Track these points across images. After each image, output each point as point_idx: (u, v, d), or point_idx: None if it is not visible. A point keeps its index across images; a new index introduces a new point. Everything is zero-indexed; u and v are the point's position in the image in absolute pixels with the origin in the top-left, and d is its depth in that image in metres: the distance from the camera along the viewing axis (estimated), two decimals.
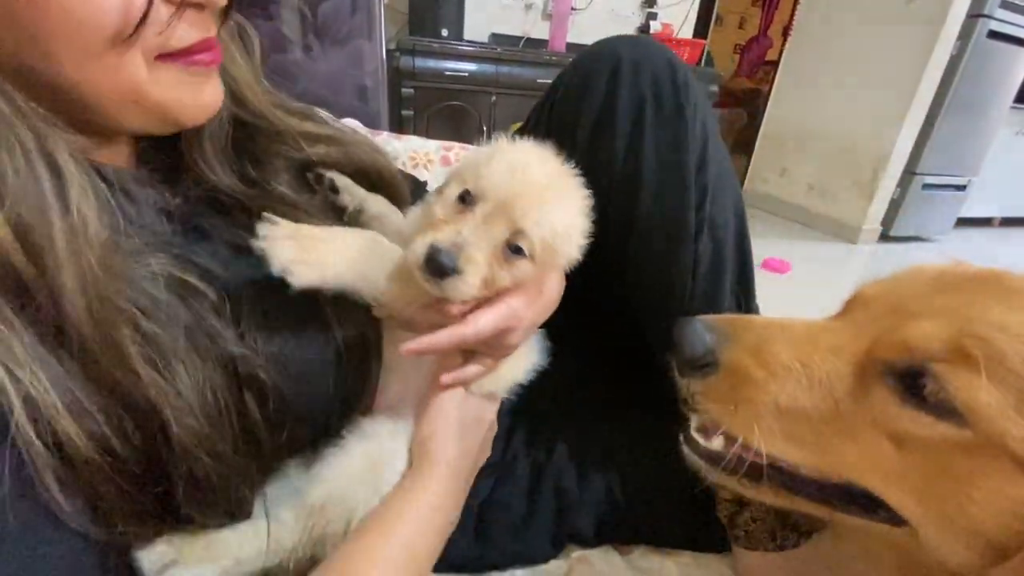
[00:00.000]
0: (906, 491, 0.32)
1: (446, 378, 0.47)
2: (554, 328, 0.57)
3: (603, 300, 0.68)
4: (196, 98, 0.40)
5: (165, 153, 0.45)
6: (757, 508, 0.59)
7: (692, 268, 0.57)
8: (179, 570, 0.39)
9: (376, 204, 0.55)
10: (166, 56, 0.36)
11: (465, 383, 0.49)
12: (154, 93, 0.36)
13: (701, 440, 0.39)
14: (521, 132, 0.67)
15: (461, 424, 0.48)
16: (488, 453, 0.54)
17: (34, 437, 0.29)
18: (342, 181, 0.53)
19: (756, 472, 0.37)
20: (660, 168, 0.56)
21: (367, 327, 0.48)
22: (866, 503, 0.35)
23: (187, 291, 0.38)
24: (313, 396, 0.45)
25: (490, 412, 0.53)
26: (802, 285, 2.14)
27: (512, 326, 0.46)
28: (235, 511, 0.42)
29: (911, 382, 0.32)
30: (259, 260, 0.40)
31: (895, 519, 0.34)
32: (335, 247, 0.43)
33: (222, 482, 0.38)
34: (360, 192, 0.55)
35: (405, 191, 0.61)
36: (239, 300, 0.41)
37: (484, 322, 0.43)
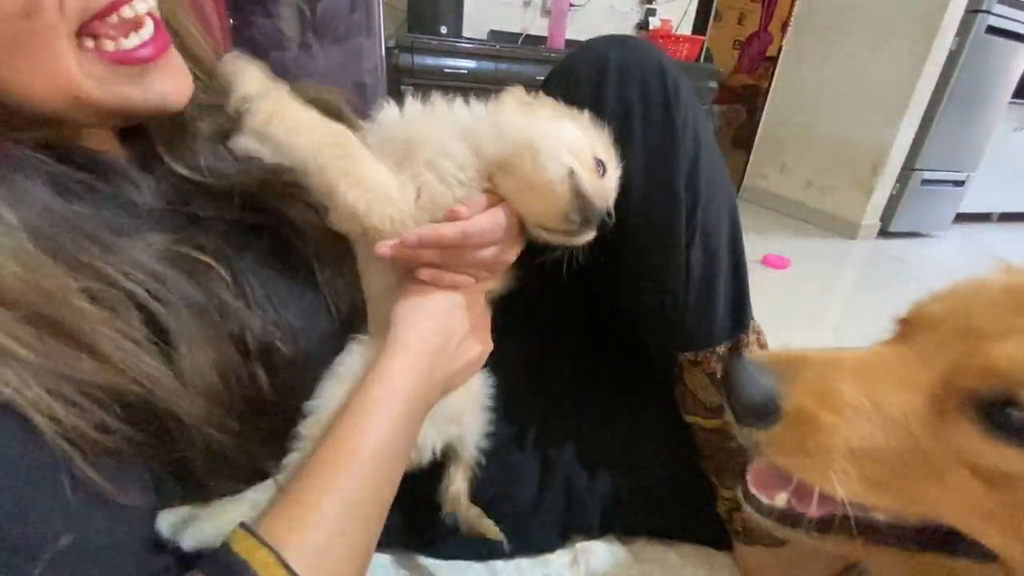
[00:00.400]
0: (1000, 529, 0.30)
1: (424, 273, 0.47)
2: (562, 328, 0.57)
3: (602, 305, 0.69)
4: (147, 92, 0.39)
5: (146, 139, 0.45)
6: None
7: (685, 278, 0.57)
8: (200, 523, 0.40)
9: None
10: (106, 53, 0.36)
11: (440, 283, 0.49)
12: (94, 92, 0.36)
13: (763, 498, 0.36)
14: None
15: (430, 315, 0.47)
16: (473, 355, 0.52)
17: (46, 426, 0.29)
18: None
19: (826, 521, 0.34)
20: (648, 179, 0.54)
21: (356, 294, 0.50)
22: (949, 541, 0.33)
23: (193, 266, 0.39)
24: (320, 363, 0.45)
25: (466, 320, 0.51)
26: (802, 281, 2.14)
27: (497, 238, 0.48)
28: (254, 480, 0.43)
29: (996, 412, 0.29)
30: (255, 238, 0.43)
31: (983, 555, 0.31)
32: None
33: (238, 454, 0.39)
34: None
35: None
36: (243, 275, 0.41)
37: (480, 221, 0.46)
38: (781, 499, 0.35)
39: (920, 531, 0.33)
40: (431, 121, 0.50)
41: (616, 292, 0.64)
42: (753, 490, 0.37)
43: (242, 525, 0.35)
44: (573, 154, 0.46)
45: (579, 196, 0.45)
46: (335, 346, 0.48)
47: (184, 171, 0.45)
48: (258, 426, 0.41)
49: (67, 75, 0.34)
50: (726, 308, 0.59)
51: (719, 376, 0.59)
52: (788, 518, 0.35)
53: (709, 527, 0.64)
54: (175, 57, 0.42)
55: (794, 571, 0.59)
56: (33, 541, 0.28)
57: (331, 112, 0.57)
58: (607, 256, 0.61)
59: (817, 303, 2.00)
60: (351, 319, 0.50)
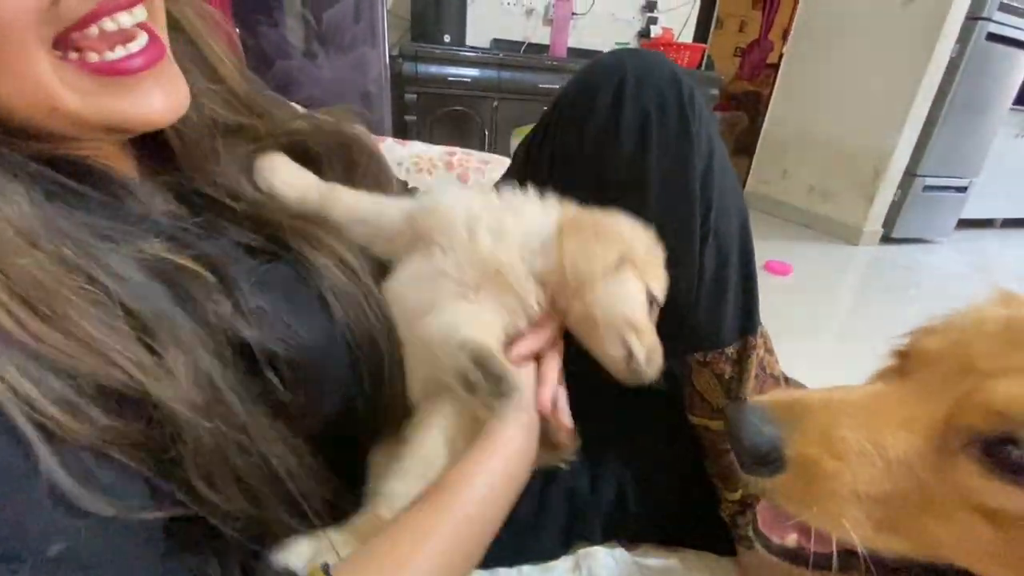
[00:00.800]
0: (1006, 568, 0.30)
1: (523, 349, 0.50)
2: (565, 336, 0.58)
3: None
4: (134, 106, 0.37)
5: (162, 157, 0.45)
6: None
7: (697, 277, 0.58)
8: (330, 554, 0.40)
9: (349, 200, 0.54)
10: (88, 64, 0.35)
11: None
12: (74, 104, 0.34)
13: (774, 538, 0.37)
14: (529, 143, 0.68)
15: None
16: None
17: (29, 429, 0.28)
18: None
19: (826, 559, 0.34)
20: (665, 183, 0.56)
21: (373, 324, 0.49)
22: None
23: (180, 274, 0.37)
24: (327, 369, 0.45)
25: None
26: (804, 287, 2.14)
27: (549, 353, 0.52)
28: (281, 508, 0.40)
29: (998, 451, 0.29)
30: (269, 263, 0.42)
31: None
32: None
33: (243, 460, 0.37)
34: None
35: (386, 164, 0.63)
36: (240, 286, 0.40)
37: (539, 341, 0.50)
38: (792, 539, 0.36)
39: (929, 569, 0.33)
40: (507, 244, 0.49)
41: None
42: (763, 529, 0.37)
43: (324, 567, 0.34)
44: (633, 326, 0.49)
45: (634, 368, 0.49)
46: (350, 360, 0.47)
47: (208, 190, 0.45)
48: (275, 432, 0.40)
49: (42, 86, 0.33)
50: (736, 309, 0.60)
51: (726, 378, 0.60)
52: (797, 556, 0.36)
53: (712, 532, 0.64)
54: (169, 69, 0.40)
55: None
56: (12, 549, 0.27)
57: (360, 151, 0.59)
58: None
59: (819, 309, 2.00)
60: (371, 352, 0.48)
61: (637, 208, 0.55)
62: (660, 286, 0.51)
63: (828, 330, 1.85)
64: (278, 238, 0.46)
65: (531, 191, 0.53)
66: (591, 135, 0.58)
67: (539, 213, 0.51)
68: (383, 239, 0.53)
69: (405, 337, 0.51)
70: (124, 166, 0.43)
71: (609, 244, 0.49)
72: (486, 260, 0.48)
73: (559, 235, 0.49)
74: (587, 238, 0.49)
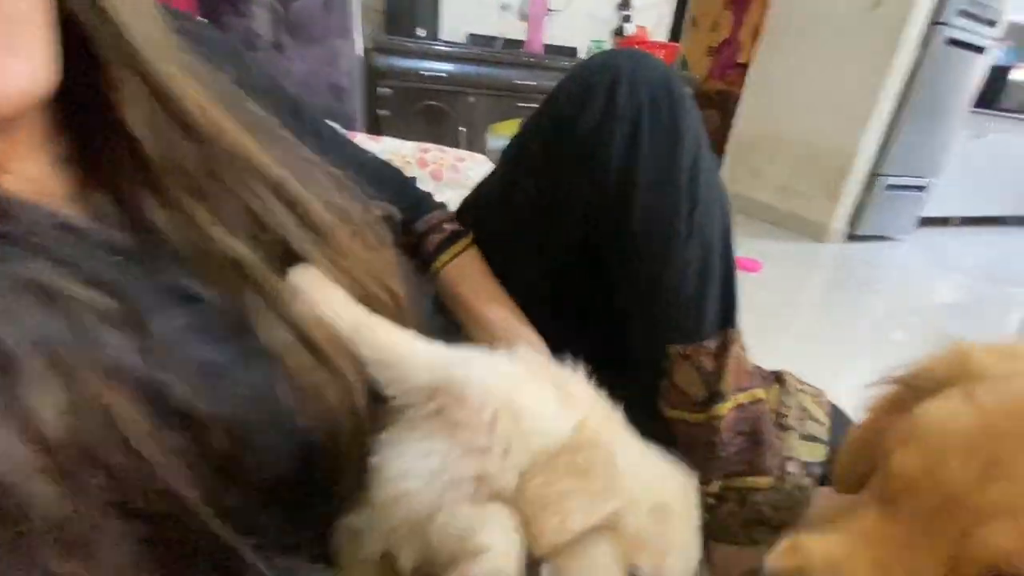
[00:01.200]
0: None
1: None
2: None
3: (575, 313, 0.70)
4: None
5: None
6: (734, 503, 0.61)
7: (682, 267, 0.60)
8: None
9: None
10: None
11: None
12: None
13: None
14: (516, 140, 0.68)
15: None
16: None
17: None
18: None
19: None
20: (654, 175, 0.58)
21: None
22: None
23: (59, 300, 0.30)
24: (261, 439, 0.36)
25: None
26: (772, 283, 2.19)
27: None
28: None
29: None
30: (195, 304, 0.34)
31: None
32: None
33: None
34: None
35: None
36: (151, 320, 0.33)
37: None
38: None
39: None
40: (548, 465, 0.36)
41: (606, 290, 0.65)
42: None
43: None
44: None
45: None
46: (296, 430, 0.38)
47: (144, 219, 0.36)
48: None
49: None
50: (717, 302, 0.61)
51: (707, 371, 0.60)
52: None
53: None
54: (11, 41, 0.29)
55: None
56: None
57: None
58: (603, 258, 0.63)
59: (787, 304, 2.05)
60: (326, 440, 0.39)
61: (626, 197, 0.57)
62: (655, 569, 0.36)
63: (796, 323, 1.89)
64: (216, 282, 0.38)
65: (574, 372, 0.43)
66: (584, 132, 0.59)
67: (555, 414, 0.39)
68: (399, 390, 0.43)
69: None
70: (34, 172, 0.34)
71: (599, 495, 0.35)
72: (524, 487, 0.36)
73: (551, 460, 0.36)
74: (574, 475, 0.35)
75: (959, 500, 0.31)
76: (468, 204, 0.76)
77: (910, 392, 0.40)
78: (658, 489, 0.37)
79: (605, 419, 0.42)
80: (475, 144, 2.34)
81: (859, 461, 0.44)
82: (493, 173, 0.74)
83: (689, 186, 0.59)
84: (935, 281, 2.64)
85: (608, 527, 0.34)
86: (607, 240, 0.62)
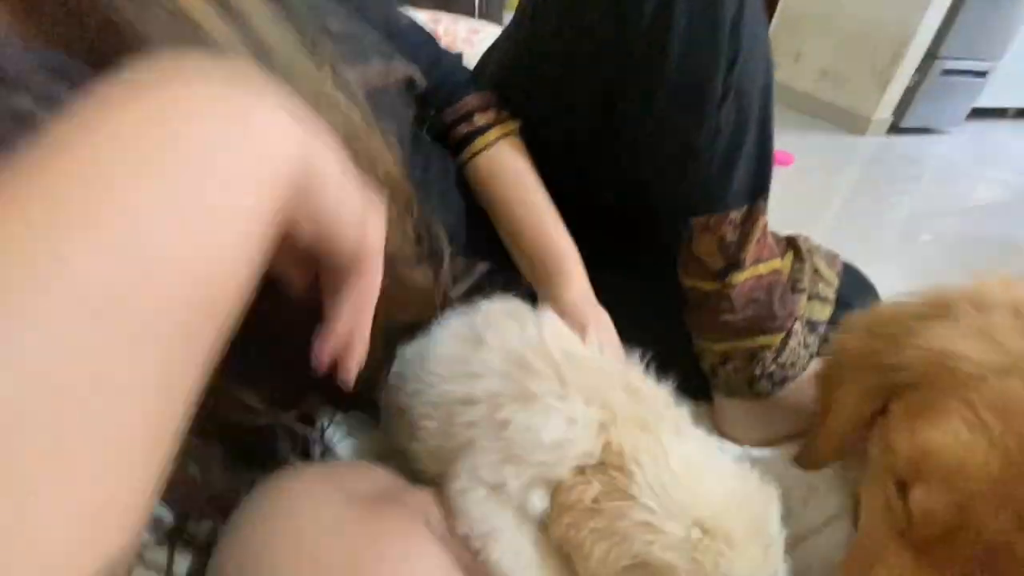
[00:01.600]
0: None
1: None
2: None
3: (588, 183, 0.66)
4: None
5: None
6: (741, 360, 0.62)
7: (712, 137, 0.56)
8: None
9: None
10: None
11: None
12: None
13: None
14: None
15: None
16: None
17: None
18: None
19: None
20: (692, 24, 0.52)
21: None
22: None
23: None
24: None
25: None
26: (804, 178, 2.09)
27: None
28: None
29: None
30: None
31: None
32: None
33: None
34: None
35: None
36: None
37: None
38: None
39: None
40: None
41: (624, 156, 0.61)
42: None
43: None
44: None
45: None
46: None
47: None
48: None
49: None
50: (747, 174, 0.58)
51: (727, 241, 0.59)
52: None
53: (691, 382, 0.67)
54: None
55: (763, 423, 0.63)
56: None
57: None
58: (628, 117, 0.58)
59: (818, 203, 1.97)
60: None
61: (659, 50, 0.52)
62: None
63: (823, 220, 1.83)
64: None
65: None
66: None
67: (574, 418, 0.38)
68: None
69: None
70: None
71: (619, 536, 0.33)
72: None
73: (575, 487, 0.35)
74: (594, 515, 0.34)
75: (1001, 550, 0.30)
76: (482, 63, 0.71)
77: (879, 342, 0.42)
78: (714, 513, 0.33)
79: (668, 421, 0.40)
80: (490, 14, 2.17)
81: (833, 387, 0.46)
82: (510, 23, 0.67)
83: (730, 42, 0.53)
84: (978, 180, 2.48)
85: (639, 565, 0.33)
86: (633, 99, 0.57)
